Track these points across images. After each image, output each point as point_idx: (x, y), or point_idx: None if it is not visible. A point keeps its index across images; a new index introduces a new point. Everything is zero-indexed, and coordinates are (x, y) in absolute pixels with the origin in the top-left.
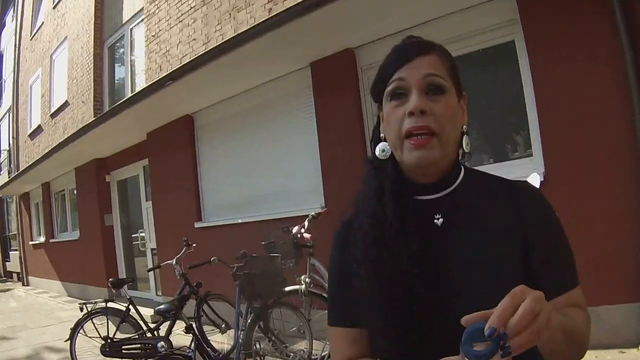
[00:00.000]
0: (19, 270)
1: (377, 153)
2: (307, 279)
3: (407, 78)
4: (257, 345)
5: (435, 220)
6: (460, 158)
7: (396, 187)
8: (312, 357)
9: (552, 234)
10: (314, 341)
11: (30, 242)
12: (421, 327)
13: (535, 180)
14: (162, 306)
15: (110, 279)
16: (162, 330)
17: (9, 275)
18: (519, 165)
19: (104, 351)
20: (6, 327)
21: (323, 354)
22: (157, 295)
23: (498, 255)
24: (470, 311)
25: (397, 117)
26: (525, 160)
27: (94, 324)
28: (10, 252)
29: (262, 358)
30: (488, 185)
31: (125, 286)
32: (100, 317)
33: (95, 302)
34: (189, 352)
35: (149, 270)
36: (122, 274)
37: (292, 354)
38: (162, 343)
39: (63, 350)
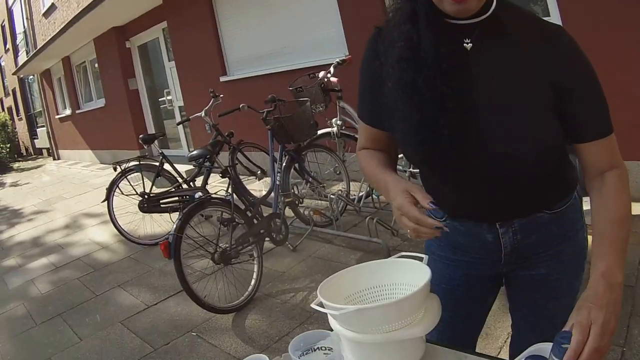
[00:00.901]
0: (48, 145)
1: None
2: (338, 122)
3: None
4: (295, 189)
5: (465, 44)
6: None
7: (429, 12)
8: (350, 197)
9: (587, 79)
10: (350, 182)
11: (57, 116)
12: (448, 139)
13: None
14: (194, 152)
15: (141, 136)
16: (198, 184)
17: (38, 152)
18: None
19: (142, 207)
20: (42, 200)
21: (360, 194)
22: (189, 151)
23: (523, 87)
24: (492, 132)
25: None
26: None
27: (129, 181)
28: (37, 130)
29: (300, 200)
30: (521, 19)
31: (157, 142)
32: (135, 174)
33: (129, 160)
34: (227, 196)
35: (178, 124)
36: None
37: (330, 195)
38: (200, 193)
39: (101, 215)
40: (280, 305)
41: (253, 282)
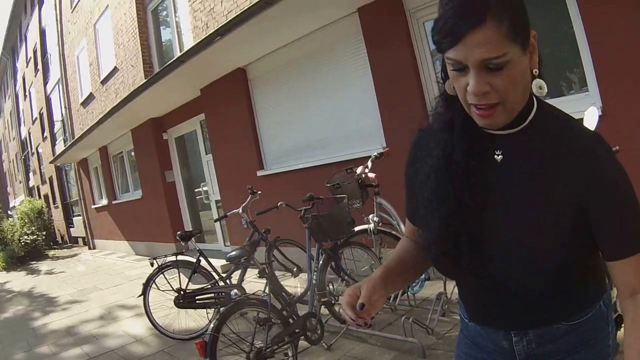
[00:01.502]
0: (83, 234)
1: (446, 88)
2: (375, 218)
3: (463, 60)
4: (331, 286)
5: (496, 156)
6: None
7: (465, 122)
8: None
9: (618, 199)
10: None
11: (93, 206)
12: (468, 253)
13: (593, 114)
14: (233, 252)
15: (178, 232)
16: (234, 280)
17: (74, 240)
18: (575, 100)
19: (177, 303)
20: (77, 290)
21: (396, 292)
22: (225, 246)
23: (547, 204)
24: (511, 247)
25: (460, 86)
26: (581, 96)
27: (165, 277)
28: (73, 218)
29: (336, 298)
30: (558, 129)
31: (194, 238)
32: (171, 270)
33: (165, 256)
34: (264, 296)
35: (215, 221)
36: (188, 228)
37: None
38: (236, 291)
39: (136, 307)
40: None
41: None
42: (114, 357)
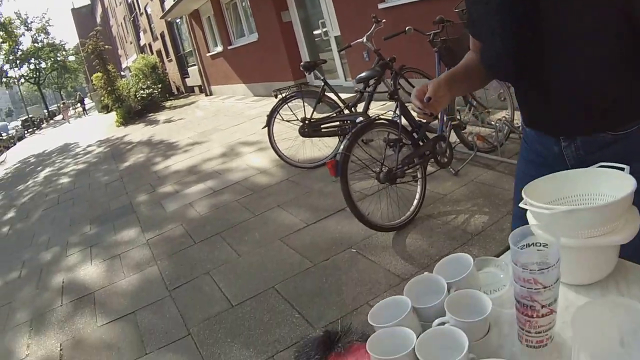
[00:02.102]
0: (199, 83)
1: None
2: None
3: None
4: (458, 115)
5: None
6: None
7: None
8: (515, 125)
9: None
10: (515, 110)
11: (208, 54)
12: (525, 54)
13: None
14: (363, 74)
15: (302, 63)
16: (359, 110)
17: (190, 90)
18: None
19: (302, 132)
20: (197, 133)
21: None
22: (345, 81)
23: (595, 13)
24: (562, 55)
25: None
26: None
27: (290, 108)
28: (188, 69)
29: (463, 126)
30: None
31: (317, 69)
32: (296, 101)
33: (289, 87)
34: (395, 117)
35: (340, 51)
36: None
37: (494, 122)
38: (361, 118)
39: (258, 142)
40: (441, 226)
41: (415, 202)
42: (238, 188)
